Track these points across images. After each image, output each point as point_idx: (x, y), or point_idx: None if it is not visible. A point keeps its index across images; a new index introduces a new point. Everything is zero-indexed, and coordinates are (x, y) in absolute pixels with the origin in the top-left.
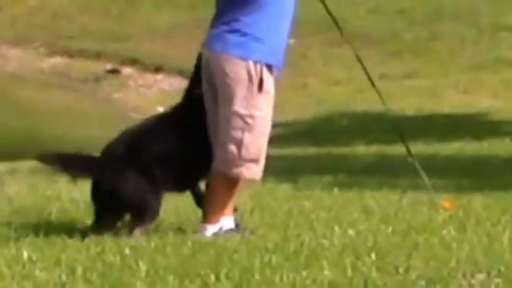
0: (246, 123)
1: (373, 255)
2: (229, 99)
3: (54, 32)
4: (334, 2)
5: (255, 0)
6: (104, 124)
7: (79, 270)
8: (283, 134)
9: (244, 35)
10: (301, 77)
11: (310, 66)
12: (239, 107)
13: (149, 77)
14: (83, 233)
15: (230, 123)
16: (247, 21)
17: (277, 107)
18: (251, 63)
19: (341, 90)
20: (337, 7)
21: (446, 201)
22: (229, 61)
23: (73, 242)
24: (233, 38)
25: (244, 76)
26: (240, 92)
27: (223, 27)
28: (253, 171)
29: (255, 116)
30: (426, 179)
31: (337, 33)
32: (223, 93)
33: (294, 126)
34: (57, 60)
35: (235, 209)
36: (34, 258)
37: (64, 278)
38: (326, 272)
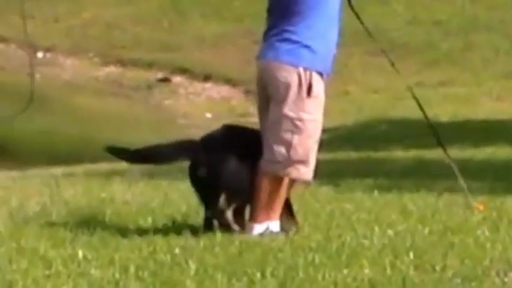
0: (295, 126)
1: (411, 255)
2: (280, 103)
3: (108, 42)
4: (375, 14)
5: (303, 11)
6: (155, 130)
7: (132, 269)
8: (326, 139)
9: (294, 43)
10: (343, 85)
11: (351, 75)
12: (289, 110)
13: (198, 85)
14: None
15: (280, 126)
16: (297, 30)
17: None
18: (301, 69)
19: (380, 97)
20: (378, 18)
21: (480, 203)
22: (281, 68)
23: (126, 242)
24: (284, 46)
25: (295, 81)
26: (290, 96)
27: (274, 38)
28: (302, 172)
29: (304, 119)
30: (462, 180)
31: (376, 43)
32: (274, 98)
33: (336, 132)
34: (111, 69)
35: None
36: (89, 257)
37: (117, 276)
38: (366, 271)
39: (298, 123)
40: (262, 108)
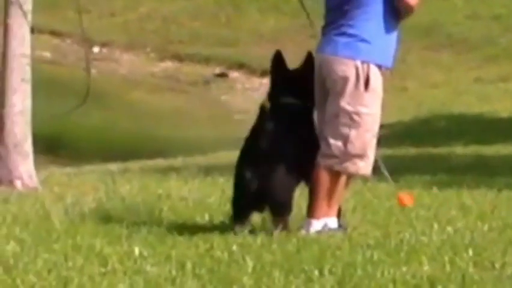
0: (353, 120)
1: (470, 252)
2: (338, 96)
3: (165, 37)
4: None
5: (362, 4)
6: (212, 125)
7: (189, 266)
8: (384, 135)
9: (352, 36)
10: (401, 80)
11: (409, 70)
12: (346, 104)
13: (256, 81)
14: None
15: (337, 120)
16: (355, 24)
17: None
18: (359, 62)
19: (439, 92)
20: (437, 13)
21: None
22: (339, 61)
23: (183, 239)
24: (341, 40)
25: (352, 74)
26: (348, 89)
27: (333, 32)
28: (359, 166)
29: (361, 113)
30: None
31: (435, 38)
32: (332, 92)
33: (394, 128)
34: (168, 65)
35: (339, 210)
36: (145, 254)
37: (174, 273)
38: (425, 268)
39: (355, 117)
40: (320, 102)
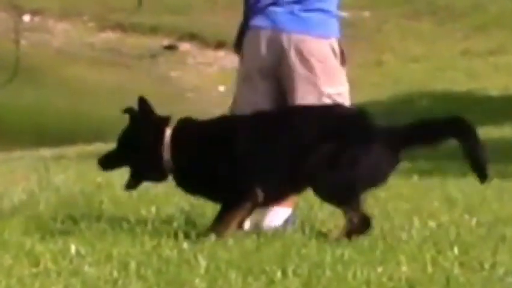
0: (336, 102)
1: (456, 250)
2: (314, 80)
3: (105, 4)
4: None
5: None
6: (161, 104)
7: (132, 266)
8: None
9: (323, 12)
10: (376, 54)
11: (386, 42)
12: (327, 87)
13: (210, 54)
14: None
15: None
16: None
17: (351, 86)
18: (334, 40)
19: (419, 67)
20: None
21: None
22: (315, 41)
23: (126, 235)
24: (314, 17)
25: (330, 54)
26: (327, 71)
27: (296, 7)
28: None
29: (342, 92)
30: None
31: (415, 5)
32: (305, 77)
33: (369, 107)
34: (109, 35)
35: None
36: (83, 252)
37: (115, 274)
38: (404, 268)
39: (338, 98)
40: (268, 90)
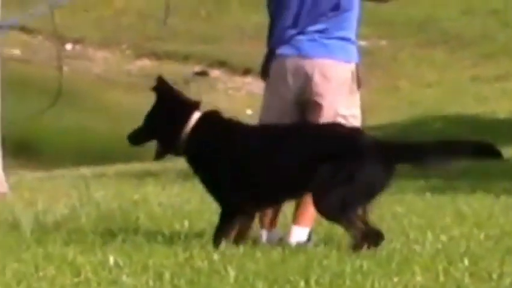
0: (349, 123)
1: (466, 261)
2: (333, 102)
3: (142, 33)
4: (427, 3)
5: (351, 8)
6: None
7: (167, 276)
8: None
9: (345, 40)
10: (392, 80)
11: (401, 69)
12: (344, 108)
13: (238, 80)
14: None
15: None
16: (344, 26)
17: (369, 110)
18: (353, 64)
19: (433, 92)
20: (430, 8)
21: None
22: (336, 65)
23: (161, 247)
24: (336, 44)
25: (349, 78)
26: (345, 93)
27: (318, 35)
28: None
29: (356, 114)
30: None
31: (429, 34)
32: (325, 98)
33: (386, 130)
34: (145, 63)
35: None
36: (121, 263)
37: (151, 283)
38: (418, 278)
39: (351, 119)
40: (291, 111)
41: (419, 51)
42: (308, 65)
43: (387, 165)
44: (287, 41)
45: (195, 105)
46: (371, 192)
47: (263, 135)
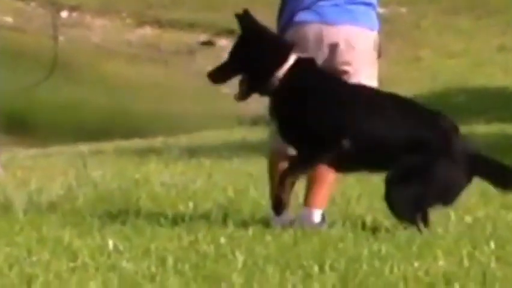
0: None
1: (492, 245)
2: (357, 72)
3: (143, 0)
4: None
5: None
6: (197, 100)
7: (170, 261)
8: None
9: (368, 5)
10: (414, 49)
11: (423, 37)
12: (366, 78)
13: None
14: None
15: None
16: None
17: (388, 82)
18: (375, 32)
19: (457, 63)
20: None
21: None
22: (361, 33)
23: (164, 230)
24: (359, 9)
25: (372, 46)
26: (367, 63)
27: (342, 1)
28: None
29: (375, 85)
30: None
31: (453, 1)
32: (351, 67)
33: None
34: (147, 31)
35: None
36: (121, 247)
37: (153, 269)
38: (441, 262)
39: None
40: None
41: (443, 19)
42: (332, 32)
43: (469, 175)
44: (308, 7)
45: (290, 47)
46: (444, 196)
47: (363, 94)
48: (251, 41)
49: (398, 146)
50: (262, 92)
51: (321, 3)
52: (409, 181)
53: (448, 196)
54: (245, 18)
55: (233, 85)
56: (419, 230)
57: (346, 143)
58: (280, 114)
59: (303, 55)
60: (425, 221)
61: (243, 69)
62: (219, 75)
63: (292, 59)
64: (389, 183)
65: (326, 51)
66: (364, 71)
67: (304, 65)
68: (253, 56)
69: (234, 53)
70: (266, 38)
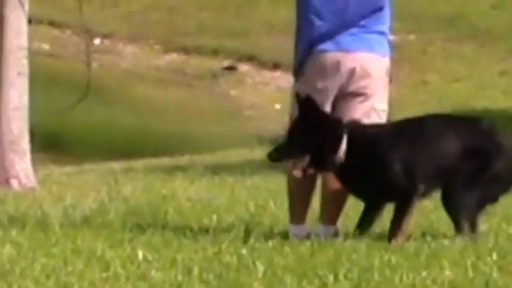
0: (381, 118)
1: (494, 255)
2: (371, 95)
3: (170, 28)
4: None
5: (386, 5)
6: (221, 121)
7: (195, 271)
8: None
9: (382, 34)
10: (422, 74)
11: (430, 63)
12: (378, 102)
13: (267, 74)
14: None
15: (369, 120)
16: (381, 21)
17: (397, 104)
18: (388, 58)
19: (461, 86)
20: (460, 2)
21: None
22: (375, 59)
23: (189, 242)
24: (375, 38)
25: (384, 72)
26: (380, 88)
27: (359, 30)
28: None
29: (385, 109)
30: None
31: (458, 29)
32: (366, 92)
33: None
34: (173, 57)
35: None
36: (150, 258)
37: (179, 278)
38: (447, 272)
39: (382, 114)
40: (323, 103)
41: (448, 46)
42: (350, 59)
43: None
44: (326, 36)
45: (341, 123)
46: (495, 198)
47: (413, 129)
48: (311, 126)
49: (455, 162)
50: (327, 170)
51: (338, 32)
52: (472, 186)
53: (494, 199)
54: (305, 103)
55: (253, 106)
56: (473, 237)
57: (421, 187)
58: (355, 182)
59: (351, 125)
60: (475, 227)
61: (305, 152)
62: (279, 156)
63: (345, 133)
64: (452, 192)
65: (344, 77)
66: (377, 95)
67: (357, 134)
68: (316, 141)
69: (294, 136)
70: (324, 122)
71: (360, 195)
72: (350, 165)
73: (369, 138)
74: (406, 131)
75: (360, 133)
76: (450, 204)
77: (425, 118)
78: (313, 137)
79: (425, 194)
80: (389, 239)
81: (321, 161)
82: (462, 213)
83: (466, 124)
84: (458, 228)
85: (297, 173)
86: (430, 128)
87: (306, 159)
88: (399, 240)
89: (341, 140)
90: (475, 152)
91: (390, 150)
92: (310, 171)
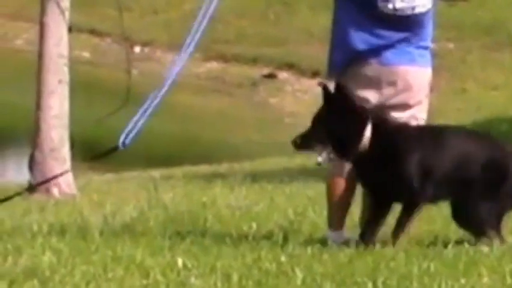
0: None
1: None
2: (411, 106)
3: (210, 36)
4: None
5: (430, 18)
6: (260, 129)
7: (235, 278)
8: None
9: (424, 48)
10: (460, 82)
11: (469, 71)
12: (418, 112)
13: (306, 82)
14: None
15: None
16: (424, 37)
17: (436, 112)
18: (430, 69)
19: (499, 95)
20: (499, 10)
21: None
22: (416, 72)
23: (229, 249)
24: (417, 51)
25: (426, 83)
26: (422, 98)
27: (401, 43)
28: None
29: (425, 118)
30: None
31: (496, 37)
32: (407, 104)
33: None
34: (213, 65)
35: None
36: (189, 265)
37: (219, 285)
38: (485, 279)
39: (421, 122)
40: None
41: (487, 54)
42: (391, 72)
43: None
44: (368, 48)
45: (367, 113)
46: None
47: (436, 134)
48: (335, 114)
49: (471, 173)
50: (349, 159)
51: (380, 45)
52: (488, 197)
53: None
54: (332, 91)
55: (292, 114)
56: (499, 241)
57: (430, 191)
58: (370, 173)
59: (377, 116)
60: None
61: (330, 139)
62: (303, 144)
63: (369, 124)
64: (469, 202)
65: (385, 90)
66: (419, 105)
67: (382, 126)
68: (339, 129)
69: (319, 124)
70: (349, 110)
71: (371, 188)
72: (369, 155)
73: (392, 131)
74: (428, 134)
75: (384, 124)
76: (469, 217)
77: (449, 127)
78: (338, 124)
79: (432, 201)
80: (393, 243)
81: (344, 148)
82: (484, 222)
83: (486, 140)
84: (483, 236)
85: (322, 160)
86: (451, 138)
87: (329, 147)
88: (401, 240)
89: (364, 128)
90: (492, 165)
91: (409, 149)
92: (333, 157)
